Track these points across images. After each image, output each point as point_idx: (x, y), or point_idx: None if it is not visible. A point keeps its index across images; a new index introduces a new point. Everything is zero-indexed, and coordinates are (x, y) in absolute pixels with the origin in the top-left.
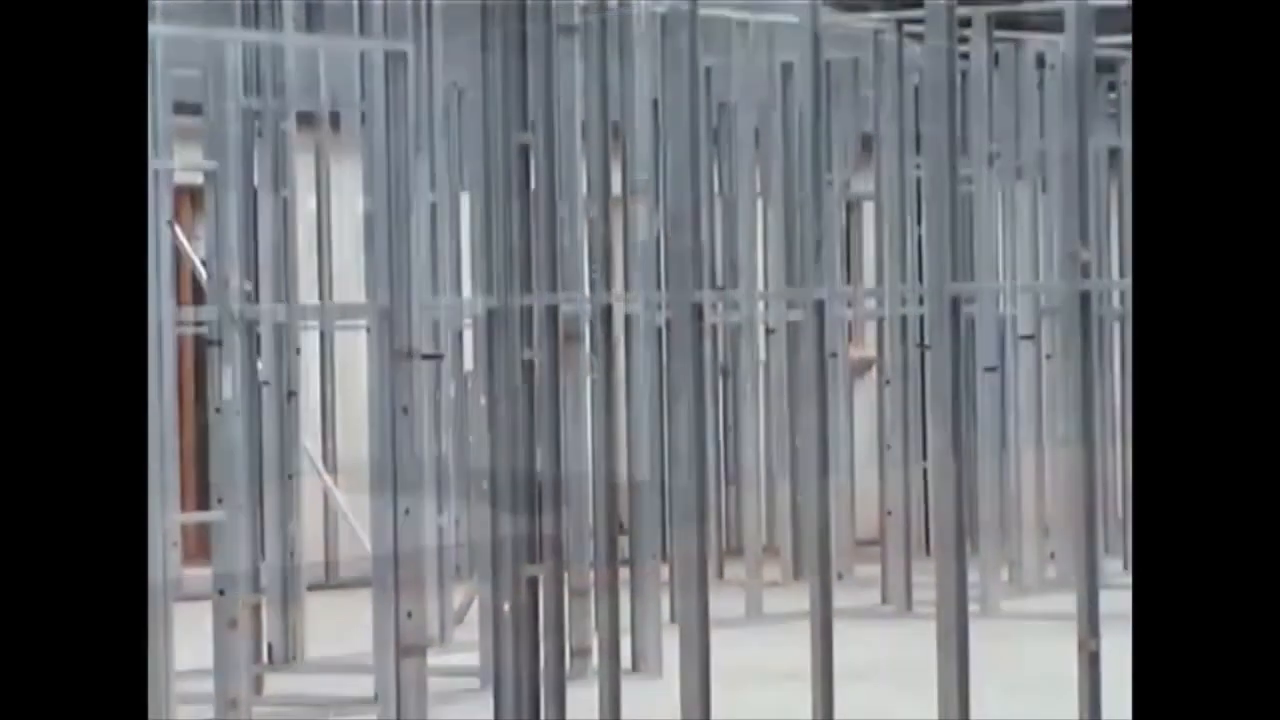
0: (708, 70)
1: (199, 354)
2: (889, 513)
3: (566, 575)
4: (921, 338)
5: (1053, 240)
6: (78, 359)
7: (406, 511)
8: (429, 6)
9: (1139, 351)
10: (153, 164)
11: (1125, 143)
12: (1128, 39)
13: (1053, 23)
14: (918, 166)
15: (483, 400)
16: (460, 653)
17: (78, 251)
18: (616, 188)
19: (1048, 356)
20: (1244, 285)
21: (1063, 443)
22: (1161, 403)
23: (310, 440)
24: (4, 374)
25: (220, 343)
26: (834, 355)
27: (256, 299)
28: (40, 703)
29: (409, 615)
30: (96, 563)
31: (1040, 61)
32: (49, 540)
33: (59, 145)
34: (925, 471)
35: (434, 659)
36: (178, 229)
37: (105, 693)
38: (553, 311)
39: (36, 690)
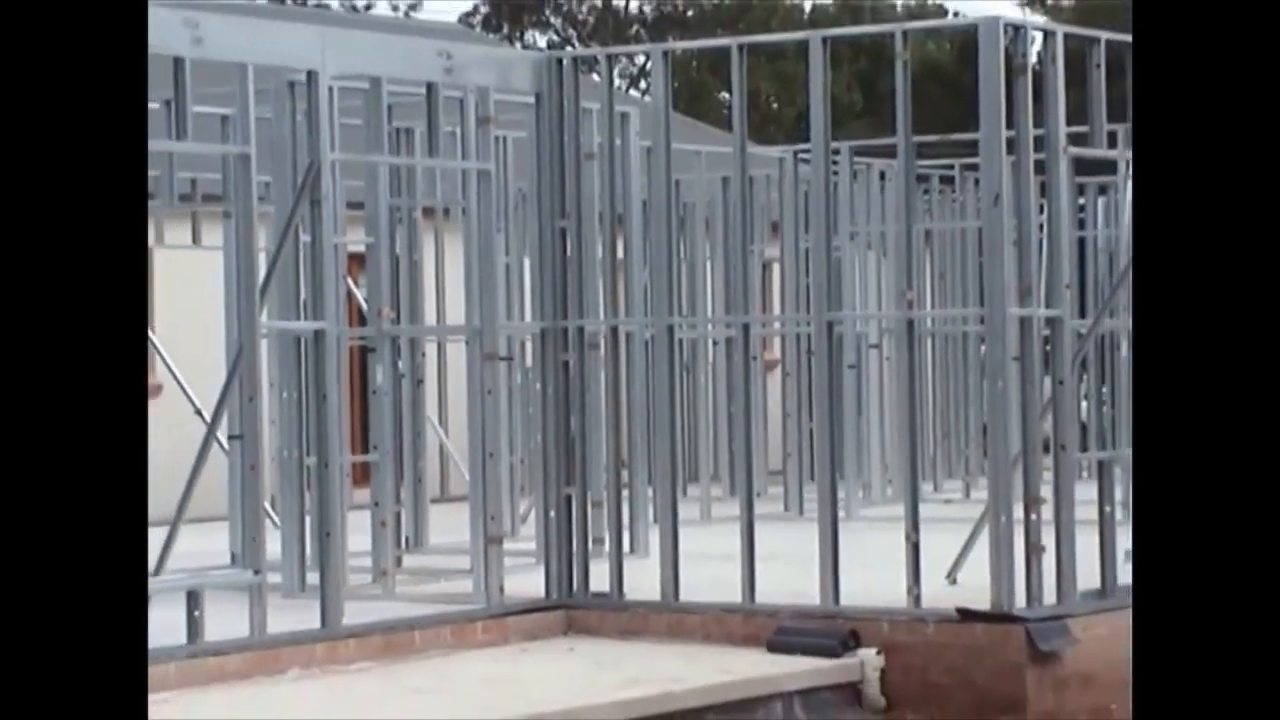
0: (677, 182)
1: (362, 357)
2: (789, 455)
3: (589, 493)
4: (809, 347)
5: (890, 287)
6: (83, 354)
7: (491, 454)
8: (504, 142)
9: (1138, 352)
10: (334, 239)
11: (936, 226)
12: (937, 161)
13: (890, 152)
14: (807, 241)
15: (537, 386)
16: (523, 541)
17: (82, 256)
18: (620, 254)
19: (887, 359)
20: (1235, 293)
21: (895, 410)
22: (1160, 403)
23: (431, 410)
24: (17, 371)
25: (375, 350)
26: (755, 358)
27: (398, 322)
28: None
29: (492, 518)
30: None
31: (882, 176)
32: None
33: (64, 154)
34: (811, 429)
35: (508, 546)
36: (349, 280)
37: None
38: (580, 330)
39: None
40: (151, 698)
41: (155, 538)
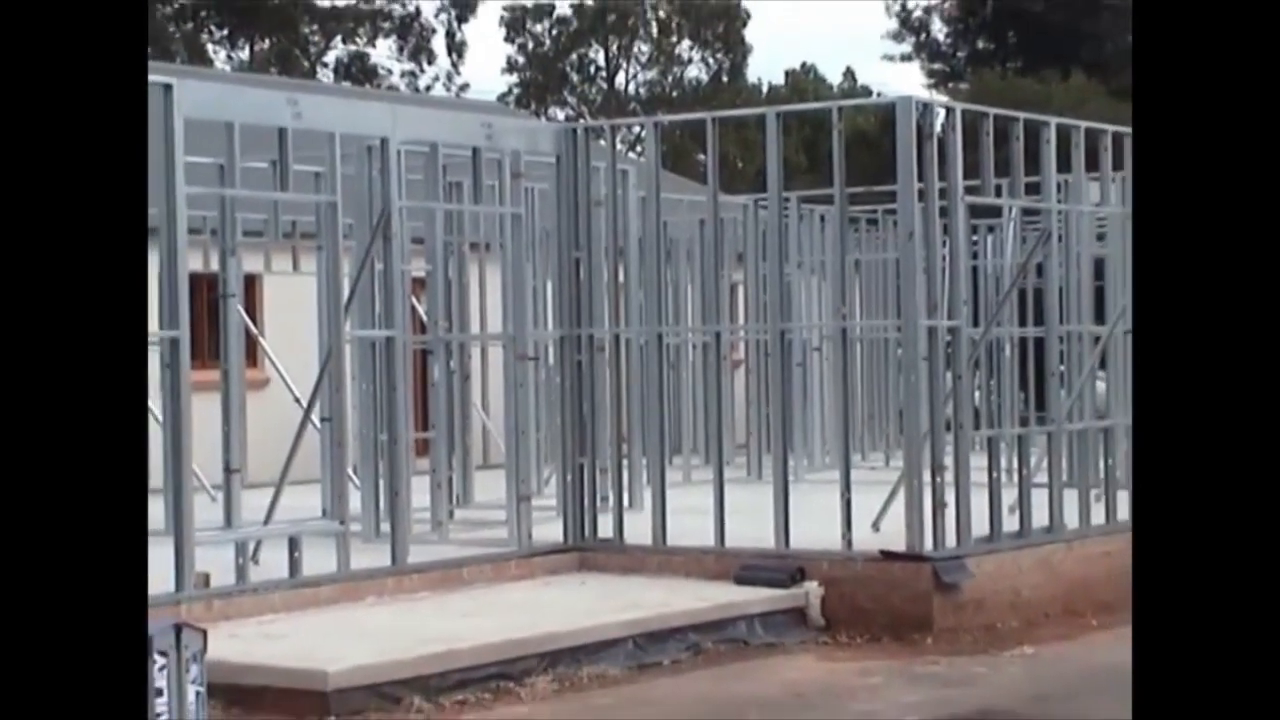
0: (665, 223)
1: (423, 358)
2: (751, 432)
3: (597, 462)
4: (766, 350)
5: (828, 304)
6: (87, 356)
7: (521, 432)
8: (532, 193)
9: (1139, 353)
10: (401, 267)
11: (864, 257)
12: (865, 207)
13: (829, 200)
14: (765, 268)
15: (557, 380)
16: (546, 499)
17: (84, 258)
18: (621, 278)
19: (826, 359)
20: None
21: (832, 399)
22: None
23: (475, 398)
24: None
25: (433, 352)
26: (724, 359)
27: (450, 330)
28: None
29: (522, 481)
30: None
31: (822, 219)
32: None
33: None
34: (768, 413)
35: (535, 502)
36: (413, 298)
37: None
38: (590, 337)
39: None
40: (259, 619)
41: (264, 497)
